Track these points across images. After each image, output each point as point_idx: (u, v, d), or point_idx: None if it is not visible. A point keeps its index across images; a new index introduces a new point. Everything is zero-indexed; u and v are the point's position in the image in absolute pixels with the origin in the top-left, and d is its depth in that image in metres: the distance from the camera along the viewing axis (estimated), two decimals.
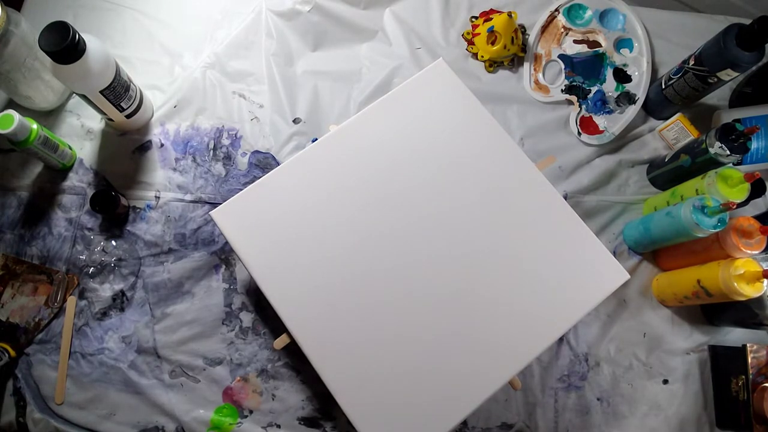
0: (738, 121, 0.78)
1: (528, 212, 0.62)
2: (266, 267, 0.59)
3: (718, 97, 0.86)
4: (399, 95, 0.65)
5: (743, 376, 0.69)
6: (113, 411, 0.70)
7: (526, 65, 0.88)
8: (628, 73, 0.87)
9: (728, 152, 0.69)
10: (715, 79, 0.74)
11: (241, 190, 0.61)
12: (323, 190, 0.61)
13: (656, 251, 0.79)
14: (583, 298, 0.60)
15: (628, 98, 0.86)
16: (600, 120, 0.85)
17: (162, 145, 0.80)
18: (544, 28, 0.90)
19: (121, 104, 0.73)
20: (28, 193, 0.77)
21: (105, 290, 0.74)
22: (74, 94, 0.80)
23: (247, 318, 0.73)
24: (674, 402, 0.74)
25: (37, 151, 0.71)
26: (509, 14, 0.81)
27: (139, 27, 0.86)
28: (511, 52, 0.86)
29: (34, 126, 0.69)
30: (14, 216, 0.76)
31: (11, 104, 0.79)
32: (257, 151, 0.80)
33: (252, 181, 0.64)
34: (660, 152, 0.85)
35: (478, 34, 0.87)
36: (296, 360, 0.72)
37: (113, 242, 0.75)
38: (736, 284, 0.64)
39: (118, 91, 0.70)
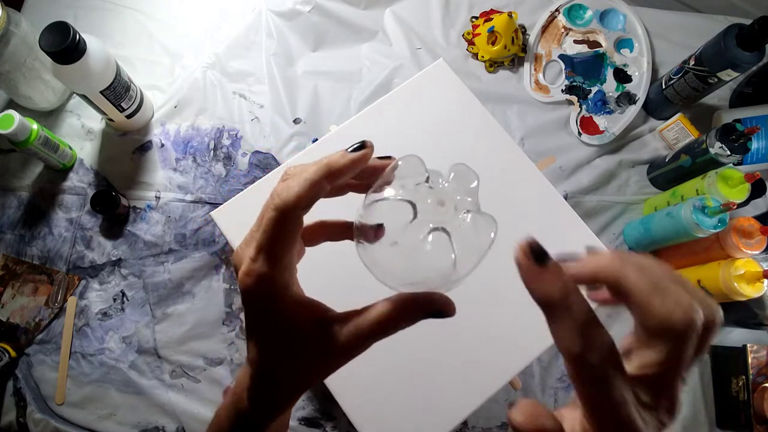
0: (738, 121, 0.78)
1: (528, 212, 0.62)
2: None
3: (718, 97, 0.86)
4: (399, 95, 0.65)
5: (743, 376, 0.69)
6: (113, 411, 0.70)
7: (527, 65, 0.88)
8: (629, 73, 0.87)
9: (728, 152, 0.69)
10: (716, 80, 0.74)
11: (242, 190, 0.61)
12: None
13: (656, 251, 0.79)
14: None
15: (629, 98, 0.86)
16: (600, 120, 0.85)
17: (162, 145, 0.80)
18: (545, 29, 0.90)
19: (122, 104, 0.73)
20: (29, 193, 0.77)
21: (105, 290, 0.74)
22: (74, 95, 0.80)
23: None
24: None
25: (38, 151, 0.71)
26: (509, 14, 0.81)
27: (139, 27, 0.86)
28: (512, 53, 0.86)
29: (35, 126, 0.69)
30: (14, 216, 0.76)
31: (11, 104, 0.79)
32: (257, 152, 0.80)
33: (252, 182, 0.64)
34: (660, 152, 0.85)
35: (479, 34, 0.87)
36: None
37: (113, 242, 0.75)
38: (736, 284, 0.64)
39: (118, 91, 0.70)
